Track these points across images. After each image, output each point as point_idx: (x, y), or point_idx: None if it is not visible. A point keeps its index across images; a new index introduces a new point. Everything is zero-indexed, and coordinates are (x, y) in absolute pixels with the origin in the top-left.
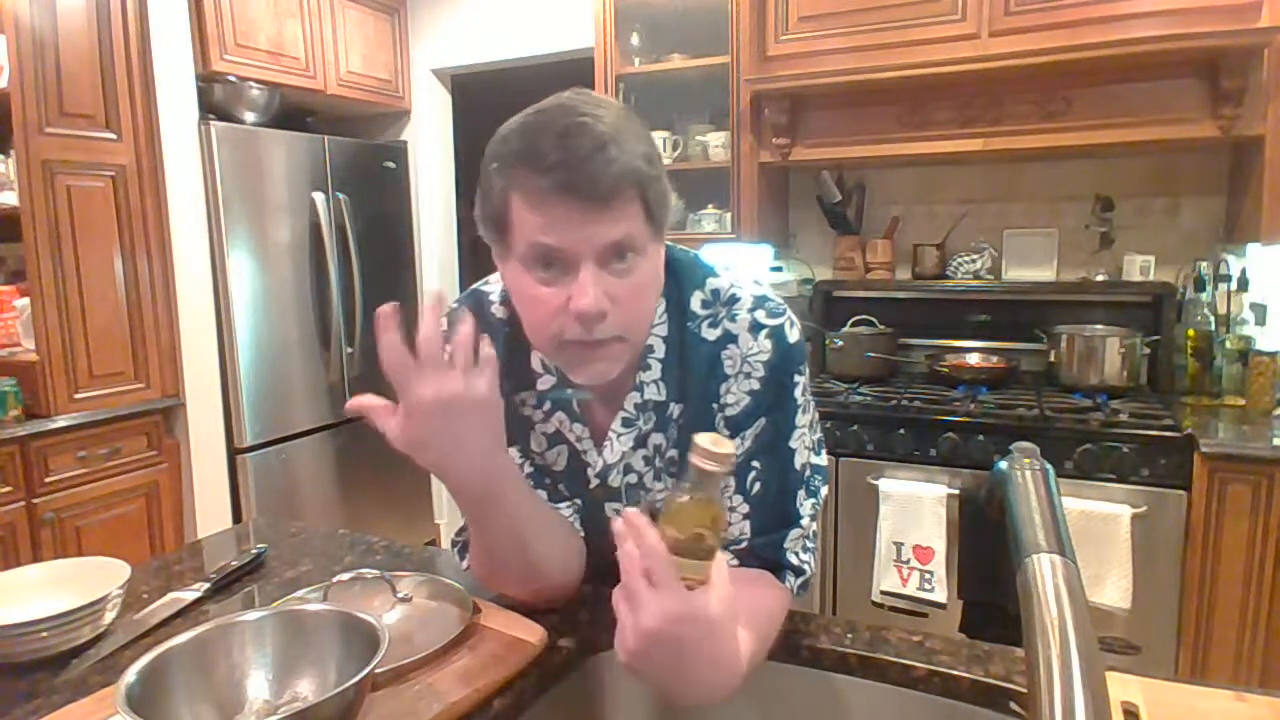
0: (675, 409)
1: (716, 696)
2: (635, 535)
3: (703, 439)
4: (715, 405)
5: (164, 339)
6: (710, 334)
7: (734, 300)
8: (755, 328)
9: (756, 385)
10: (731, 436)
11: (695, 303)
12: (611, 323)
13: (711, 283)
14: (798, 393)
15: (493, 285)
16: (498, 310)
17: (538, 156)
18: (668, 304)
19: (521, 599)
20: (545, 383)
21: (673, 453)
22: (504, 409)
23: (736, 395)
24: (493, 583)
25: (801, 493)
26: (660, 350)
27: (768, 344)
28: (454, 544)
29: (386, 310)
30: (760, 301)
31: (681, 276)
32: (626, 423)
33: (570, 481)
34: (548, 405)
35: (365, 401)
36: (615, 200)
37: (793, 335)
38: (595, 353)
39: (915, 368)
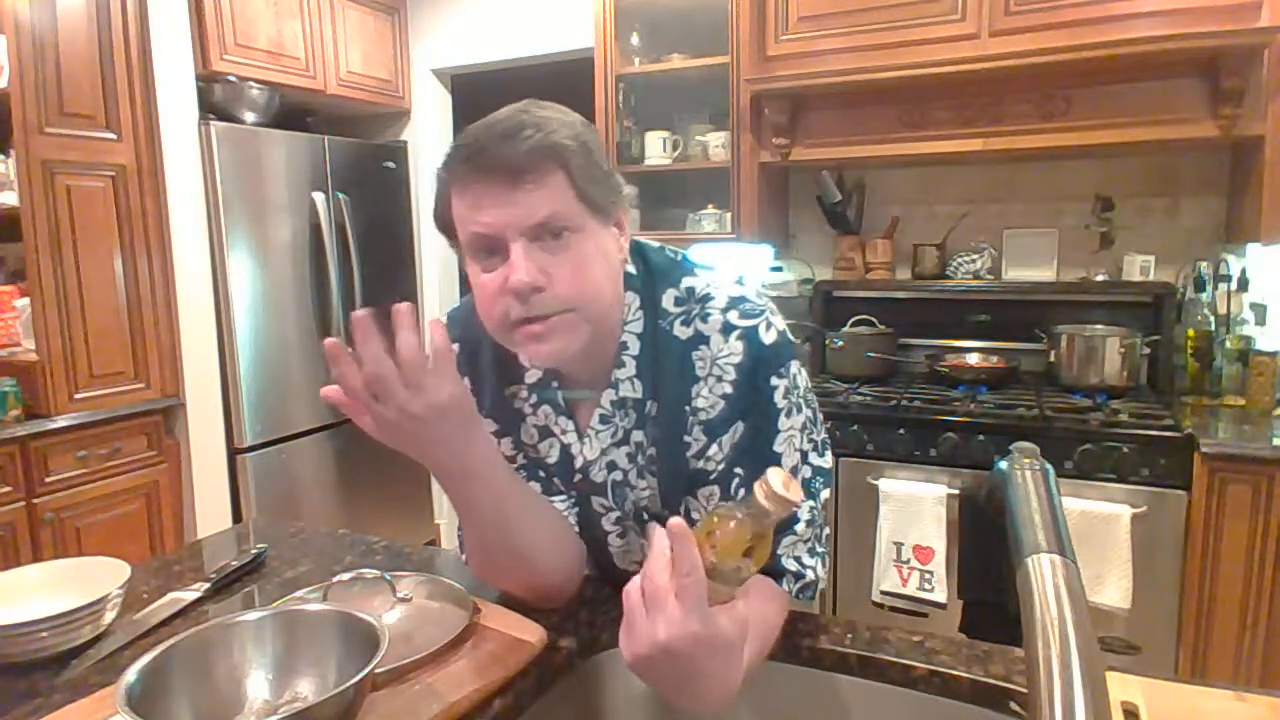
0: (652, 406)
1: (708, 709)
2: (679, 548)
3: (774, 477)
4: (687, 408)
5: (164, 339)
6: (682, 333)
7: (707, 299)
8: (726, 329)
9: (729, 389)
10: (708, 442)
11: (668, 300)
12: (552, 297)
13: (687, 281)
14: (778, 395)
15: None
16: None
17: (466, 149)
18: (642, 301)
19: (518, 593)
20: (532, 376)
21: (652, 450)
22: (496, 401)
23: (709, 399)
24: (488, 575)
25: None
26: (635, 348)
27: (739, 346)
28: (458, 538)
29: (333, 344)
30: (735, 302)
31: (655, 275)
32: (604, 419)
33: (562, 475)
34: (535, 398)
35: (338, 396)
36: (532, 172)
37: (768, 337)
38: (545, 330)
39: (915, 368)
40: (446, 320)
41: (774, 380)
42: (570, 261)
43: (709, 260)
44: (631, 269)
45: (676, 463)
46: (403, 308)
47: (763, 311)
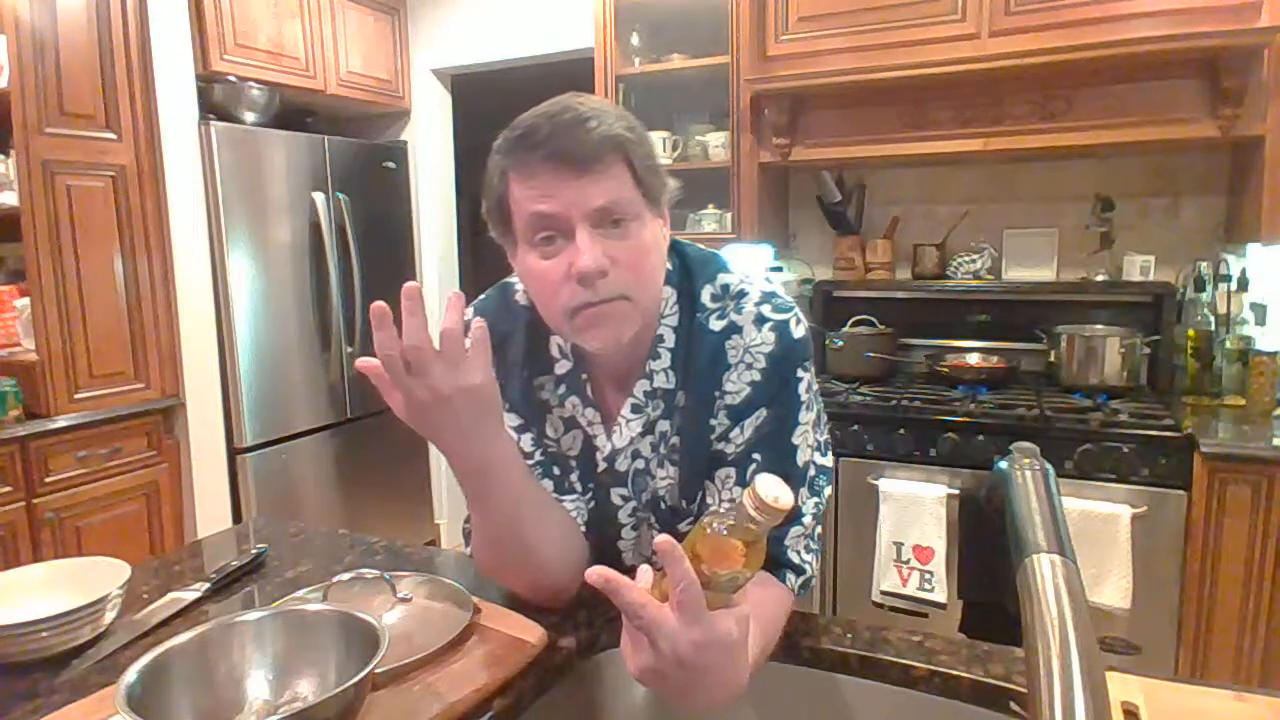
0: (682, 397)
1: (720, 707)
2: (670, 565)
3: (763, 487)
4: (717, 394)
5: (164, 339)
6: (717, 325)
7: (742, 295)
8: (760, 320)
9: (757, 376)
10: (731, 425)
11: (705, 295)
12: (614, 282)
13: (722, 278)
14: (801, 389)
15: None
16: (520, 298)
17: (530, 136)
18: (679, 295)
19: (521, 591)
20: (562, 367)
21: (675, 439)
22: (523, 393)
23: (737, 385)
24: (493, 571)
25: (804, 490)
26: (670, 340)
27: (771, 336)
28: (463, 531)
29: (380, 307)
30: (768, 297)
31: (694, 270)
32: (635, 409)
33: (582, 467)
34: (563, 389)
35: (372, 367)
36: (599, 163)
37: (797, 331)
38: (603, 314)
39: (915, 368)
40: (474, 312)
41: (799, 373)
42: (630, 249)
43: (741, 258)
44: (668, 264)
45: (701, 450)
46: (454, 295)
47: (792, 307)
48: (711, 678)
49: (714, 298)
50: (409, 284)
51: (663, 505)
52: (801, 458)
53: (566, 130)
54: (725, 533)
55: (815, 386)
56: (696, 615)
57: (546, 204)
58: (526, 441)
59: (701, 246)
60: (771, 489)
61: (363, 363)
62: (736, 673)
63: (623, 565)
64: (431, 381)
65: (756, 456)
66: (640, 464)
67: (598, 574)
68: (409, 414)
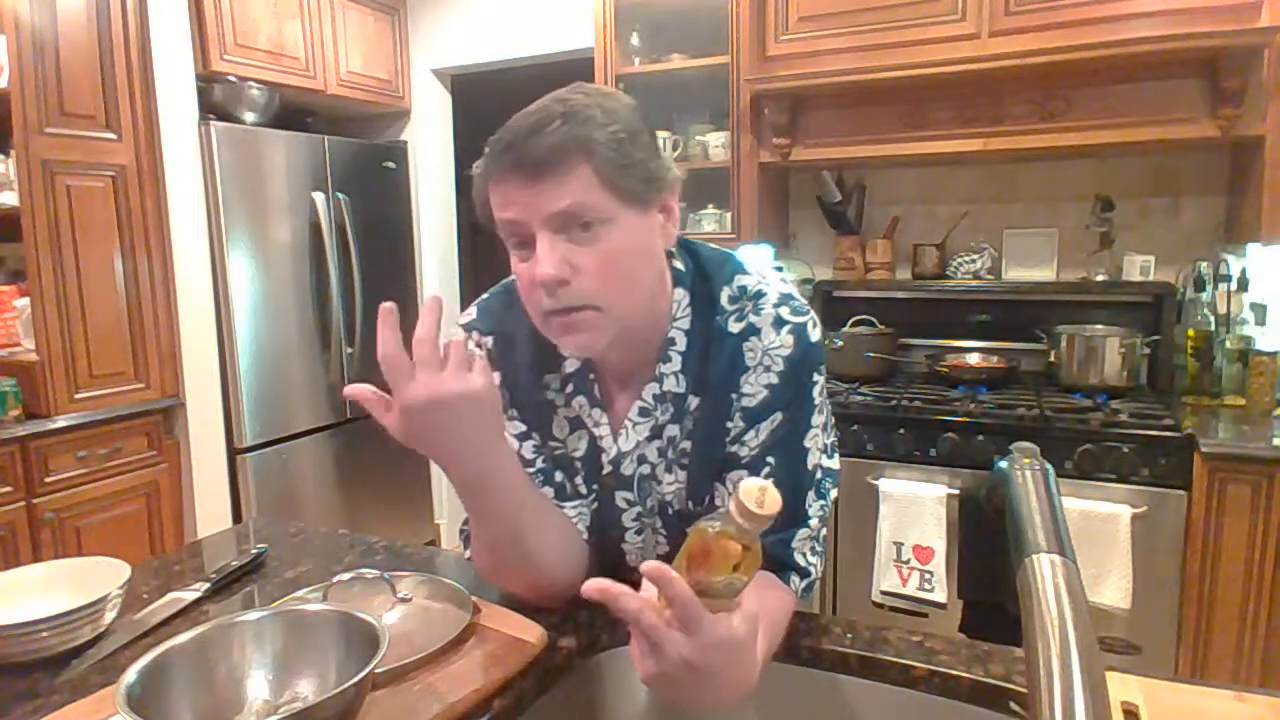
0: (693, 401)
1: (729, 708)
2: (663, 588)
3: (747, 494)
4: (734, 395)
5: (164, 339)
6: (735, 327)
7: (760, 296)
8: (778, 323)
9: (775, 379)
10: (746, 428)
11: (724, 298)
12: (577, 291)
13: (740, 279)
14: (815, 392)
15: None
16: None
17: (499, 142)
18: (693, 298)
19: (521, 593)
20: (570, 365)
21: (685, 444)
22: (528, 394)
23: (754, 387)
24: (492, 575)
25: (811, 494)
26: (682, 343)
27: (789, 339)
28: (461, 533)
29: (389, 306)
30: (786, 299)
31: (710, 272)
32: (643, 412)
33: (586, 468)
34: (570, 388)
35: (362, 392)
36: (556, 167)
37: (814, 335)
38: (572, 323)
39: (915, 368)
40: (477, 311)
41: (815, 376)
42: (598, 254)
43: (756, 259)
44: (680, 265)
45: (714, 453)
46: (432, 299)
47: (809, 310)
48: (720, 679)
49: (731, 299)
50: (431, 296)
51: (670, 510)
52: (811, 461)
53: (529, 134)
54: (717, 540)
55: (826, 390)
56: (695, 626)
57: (510, 211)
58: (528, 449)
59: (715, 246)
60: (754, 495)
61: (352, 390)
62: (745, 672)
63: (626, 567)
64: (429, 381)
65: (770, 460)
66: (646, 469)
67: (594, 587)
68: (406, 425)
